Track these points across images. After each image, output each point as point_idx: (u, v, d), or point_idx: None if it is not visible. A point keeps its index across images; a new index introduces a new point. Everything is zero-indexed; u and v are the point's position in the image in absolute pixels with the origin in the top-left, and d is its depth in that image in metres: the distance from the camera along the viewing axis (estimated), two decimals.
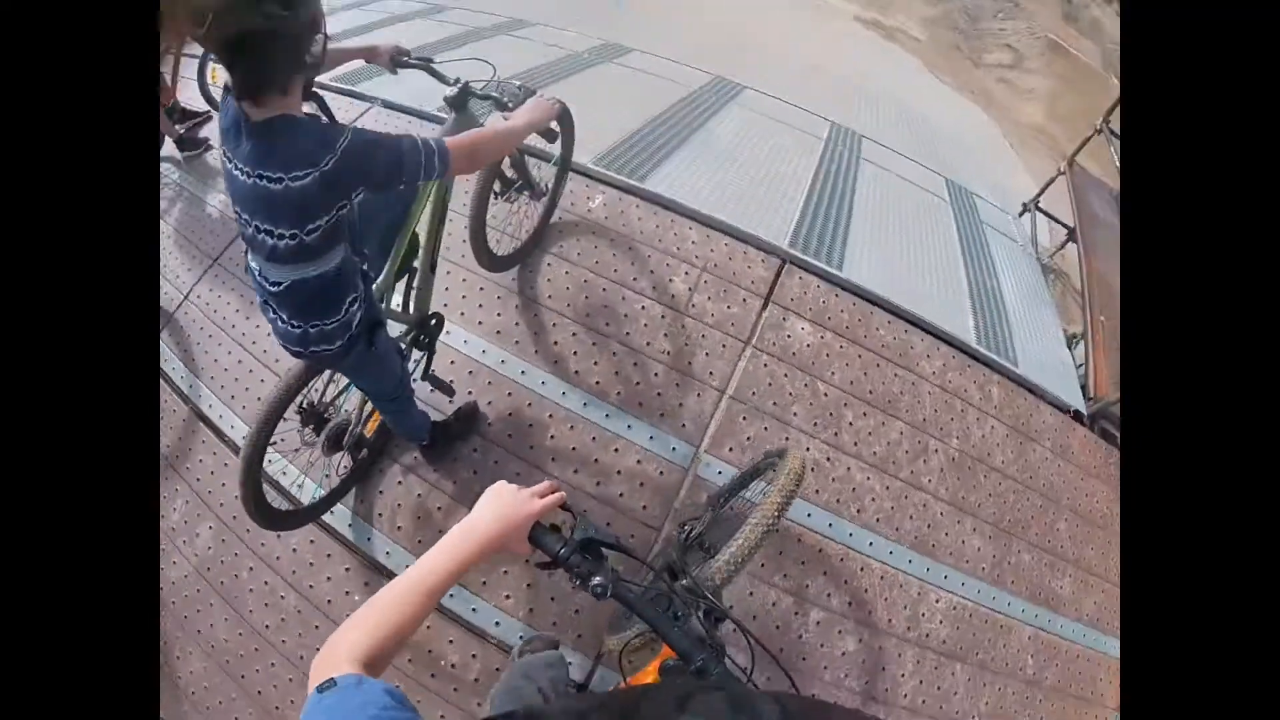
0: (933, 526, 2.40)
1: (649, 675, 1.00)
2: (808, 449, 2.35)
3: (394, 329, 1.93)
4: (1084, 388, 2.99)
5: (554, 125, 2.16)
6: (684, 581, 1.13)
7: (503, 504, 0.83)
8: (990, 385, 2.66)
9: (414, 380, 2.02)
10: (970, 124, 5.80)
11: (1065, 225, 4.08)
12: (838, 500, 2.32)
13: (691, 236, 2.63)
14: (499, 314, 2.47)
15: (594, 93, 3.44)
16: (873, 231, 3.02)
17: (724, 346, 2.44)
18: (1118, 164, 3.96)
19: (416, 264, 1.99)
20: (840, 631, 2.24)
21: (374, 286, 1.73)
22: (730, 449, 2.31)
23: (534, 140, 2.07)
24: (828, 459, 2.36)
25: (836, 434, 2.39)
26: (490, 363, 2.40)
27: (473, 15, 4.43)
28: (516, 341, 2.43)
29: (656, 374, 2.39)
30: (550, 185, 2.50)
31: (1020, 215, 4.19)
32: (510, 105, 1.77)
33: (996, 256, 3.42)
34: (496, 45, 3.97)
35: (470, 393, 2.34)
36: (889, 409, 2.47)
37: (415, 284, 2.01)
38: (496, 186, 2.23)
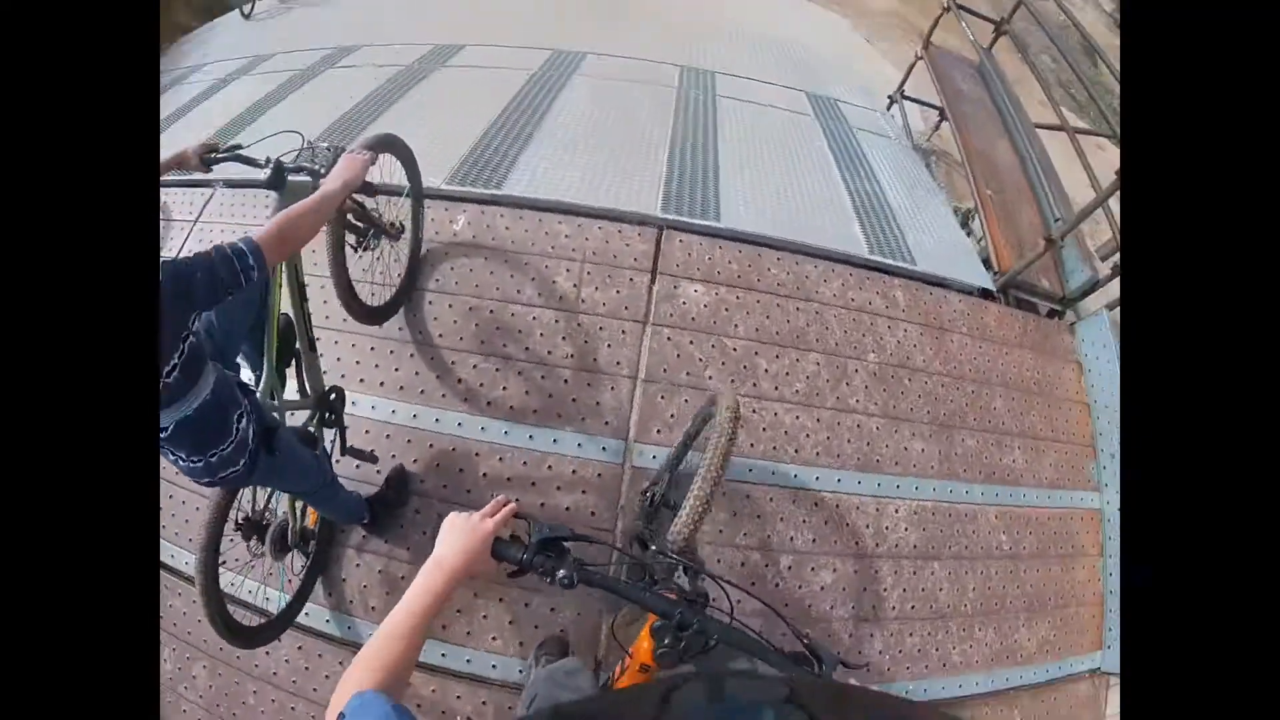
0: (872, 444, 2.42)
1: (644, 640, 1.04)
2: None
3: (299, 417, 1.88)
4: (986, 262, 3.04)
5: (378, 174, 2.06)
6: (653, 546, 1.17)
7: (459, 533, 0.86)
8: (893, 291, 2.68)
9: (335, 459, 1.98)
10: (823, 28, 5.73)
11: (934, 106, 4.10)
12: (774, 447, 2.33)
13: (563, 231, 2.56)
14: (396, 368, 2.39)
15: (432, 106, 3.30)
16: (743, 171, 2.99)
17: (624, 333, 2.40)
18: (972, 36, 3.99)
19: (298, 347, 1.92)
20: (813, 568, 2.27)
21: (259, 389, 1.71)
22: (658, 431, 2.29)
23: (395, 176, 2.05)
24: (754, 411, 2.36)
25: (755, 384, 2.39)
26: (402, 420, 2.33)
27: (296, 57, 4.22)
28: (422, 391, 2.35)
29: (566, 380, 2.34)
30: (408, 221, 2.40)
31: (889, 108, 4.19)
32: (323, 171, 1.68)
33: (872, 159, 3.42)
34: (325, 82, 3.79)
35: (394, 456, 2.27)
36: (800, 344, 2.47)
37: (303, 367, 1.94)
38: (352, 240, 2.13)
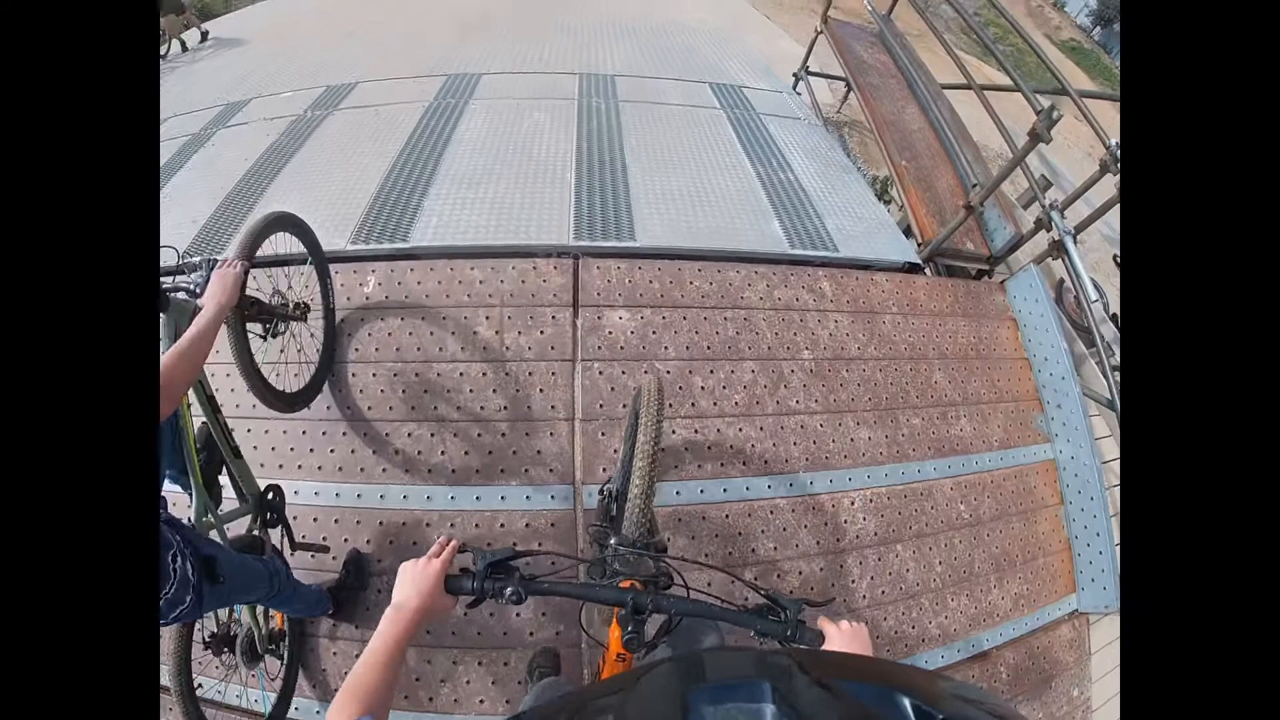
0: (818, 441, 2.42)
1: (613, 630, 1.09)
2: (673, 432, 2.32)
3: (240, 524, 1.86)
4: (908, 230, 3.04)
5: (273, 248, 1.99)
6: (614, 540, 1.21)
7: (411, 579, 0.93)
8: (819, 283, 2.66)
9: (288, 555, 1.94)
10: (721, 8, 5.63)
11: (840, 78, 4.07)
12: (722, 464, 2.31)
13: (477, 276, 2.49)
14: (331, 449, 2.31)
15: (328, 158, 3.16)
16: (654, 181, 2.94)
17: (554, 375, 2.36)
18: (869, 5, 3.95)
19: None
20: (778, 575, 2.27)
21: (192, 511, 1.66)
22: (604, 469, 2.26)
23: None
24: (695, 431, 2.34)
25: (694, 403, 2.37)
26: (347, 501, 2.26)
27: (186, 120, 4.02)
28: (361, 469, 2.28)
29: (504, 434, 2.29)
30: (316, 293, 2.31)
31: (795, 86, 4.15)
32: (199, 291, 1.60)
33: (783, 145, 3.39)
34: (218, 147, 3.61)
35: (345, 540, 2.21)
36: (732, 355, 2.45)
37: (233, 475, 1.88)
38: (259, 329, 2.05)
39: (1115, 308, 4.49)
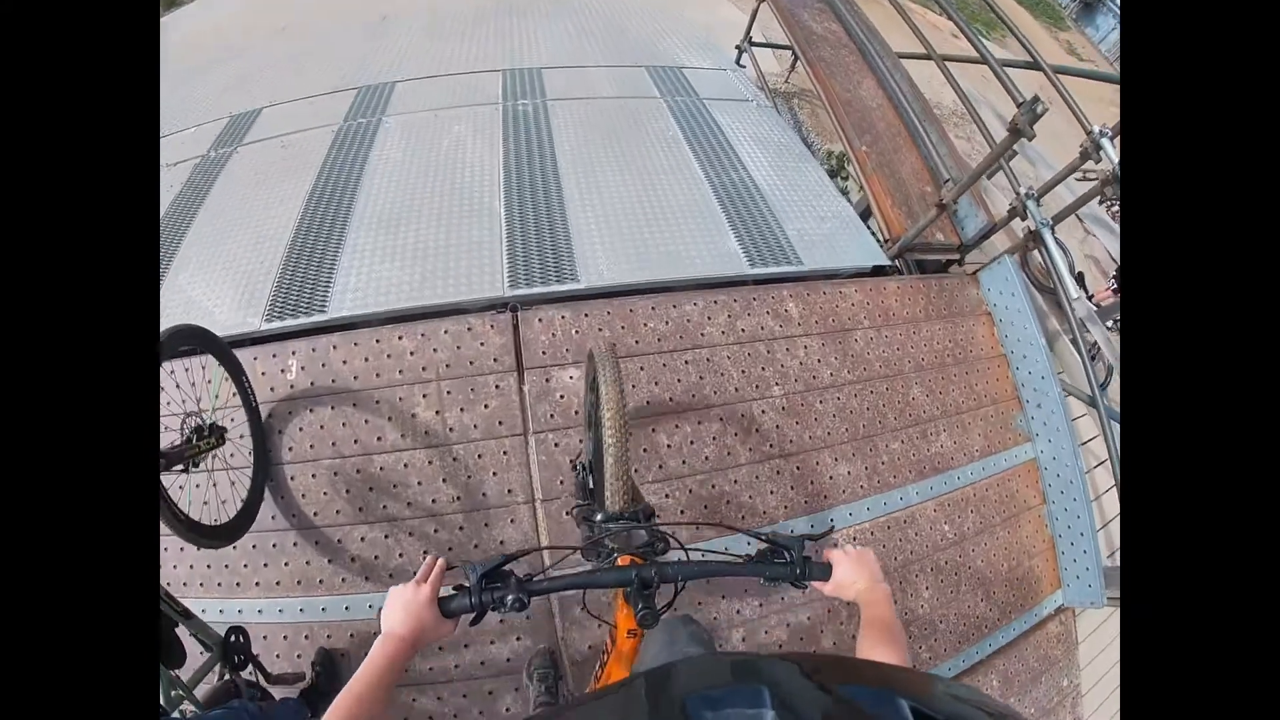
0: (795, 486, 2.24)
1: (621, 610, 1.05)
2: (648, 498, 2.11)
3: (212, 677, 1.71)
4: (868, 213, 2.77)
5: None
6: (599, 516, 1.16)
7: (401, 605, 0.86)
8: (784, 305, 2.40)
9: (261, 685, 1.79)
10: None
11: (786, 47, 3.66)
12: (696, 529, 2.11)
13: (407, 347, 2.19)
14: (285, 563, 2.07)
15: (232, 212, 2.74)
16: (593, 200, 2.61)
17: (505, 454, 2.11)
18: None
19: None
20: (766, 631, 2.14)
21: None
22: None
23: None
24: (666, 495, 2.13)
25: (661, 465, 2.15)
26: (311, 616, 2.04)
27: None
28: (320, 581, 2.05)
29: (461, 526, 2.07)
30: (232, 403, 2.02)
31: (739, 59, 3.73)
32: None
33: (732, 135, 3.04)
34: None
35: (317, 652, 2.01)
36: (697, 403, 2.22)
37: (189, 632, 1.70)
38: (179, 469, 1.78)
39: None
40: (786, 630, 2.16)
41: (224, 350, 1.98)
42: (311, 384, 2.20)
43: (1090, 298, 3.96)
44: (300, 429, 2.16)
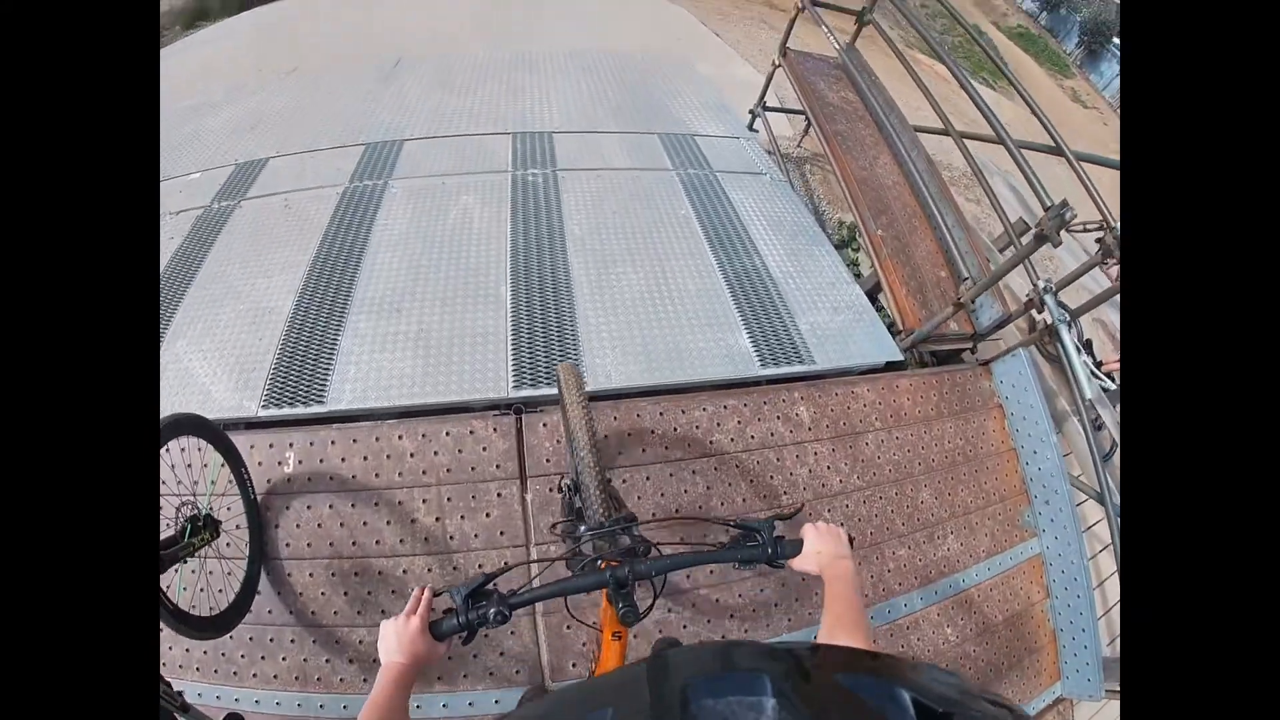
0: (800, 598, 2.15)
1: (605, 611, 1.08)
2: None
3: None
4: (877, 289, 2.66)
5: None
6: (584, 526, 1.18)
7: (393, 637, 0.90)
8: (796, 408, 2.30)
9: None
10: (667, 30, 4.84)
11: (799, 111, 3.53)
12: (699, 639, 2.02)
13: (407, 448, 2.09)
14: (283, 657, 1.99)
15: (231, 279, 2.61)
16: (603, 289, 2.50)
17: (505, 563, 2.00)
18: (834, 42, 3.36)
19: None
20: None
21: None
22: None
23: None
24: (669, 610, 2.03)
25: (664, 578, 2.04)
26: (309, 711, 1.96)
27: None
28: (318, 678, 1.97)
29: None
30: (228, 494, 1.93)
31: (752, 124, 3.59)
32: None
33: (745, 214, 2.92)
34: None
35: None
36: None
37: None
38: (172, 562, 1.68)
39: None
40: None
41: (223, 440, 1.90)
42: (309, 479, 2.10)
43: (1099, 365, 3.85)
44: (297, 525, 2.06)
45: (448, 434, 2.10)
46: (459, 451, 2.09)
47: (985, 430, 2.60)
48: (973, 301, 2.43)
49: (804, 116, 3.59)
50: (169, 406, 2.26)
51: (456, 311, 2.37)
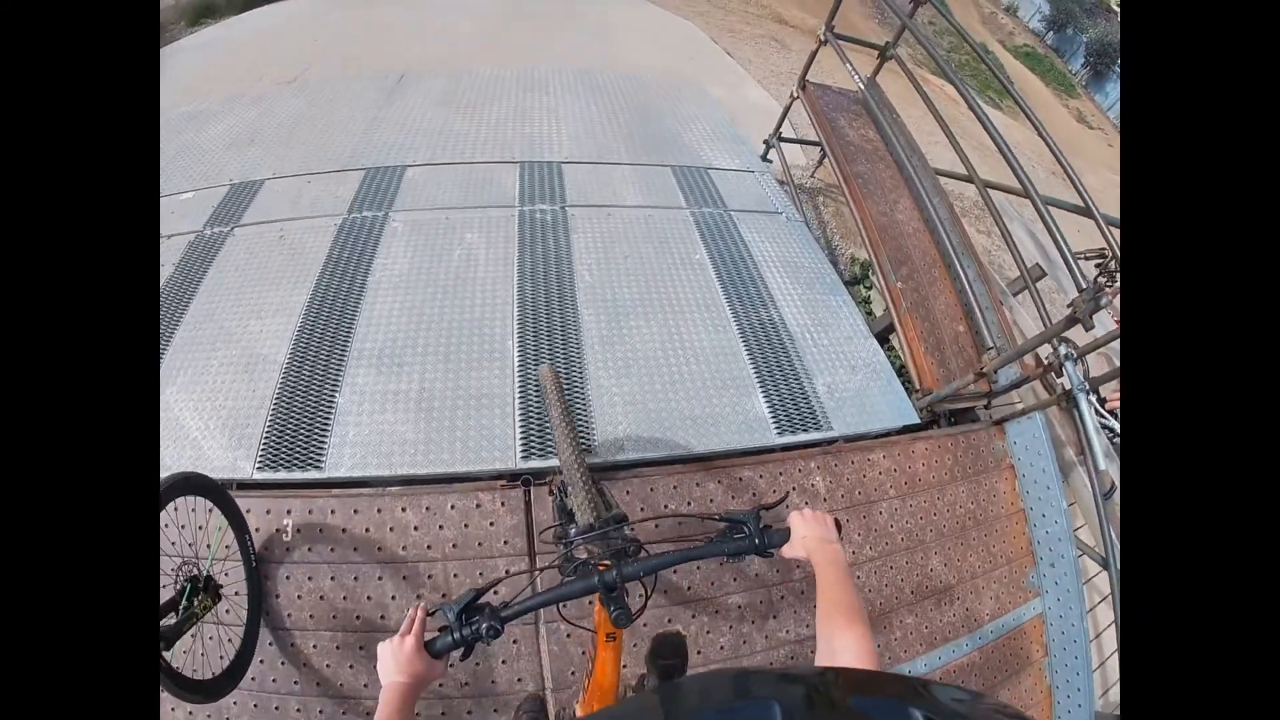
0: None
1: (598, 615, 1.10)
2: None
3: None
4: (889, 332, 2.55)
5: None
6: (574, 529, 1.15)
7: (391, 658, 0.89)
8: (811, 477, 2.19)
9: None
10: (679, 49, 4.54)
11: (814, 143, 3.35)
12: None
13: (411, 521, 1.96)
14: None
15: (221, 319, 2.41)
16: (615, 345, 2.35)
17: (515, 642, 1.91)
18: (857, 77, 3.16)
19: None
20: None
21: None
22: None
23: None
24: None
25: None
26: None
27: None
28: None
29: (470, 711, 1.89)
30: (228, 557, 1.81)
31: (766, 154, 3.40)
32: None
33: (761, 260, 2.76)
34: None
35: None
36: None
37: None
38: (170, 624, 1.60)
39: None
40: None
41: (228, 503, 1.80)
42: (309, 549, 1.96)
43: (1103, 403, 3.78)
44: (299, 595, 1.93)
45: (453, 507, 1.97)
46: (465, 525, 1.96)
47: (996, 492, 2.52)
48: (995, 372, 2.32)
49: (819, 148, 3.42)
50: (161, 461, 2.10)
51: (460, 369, 2.22)
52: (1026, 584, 2.54)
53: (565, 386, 2.21)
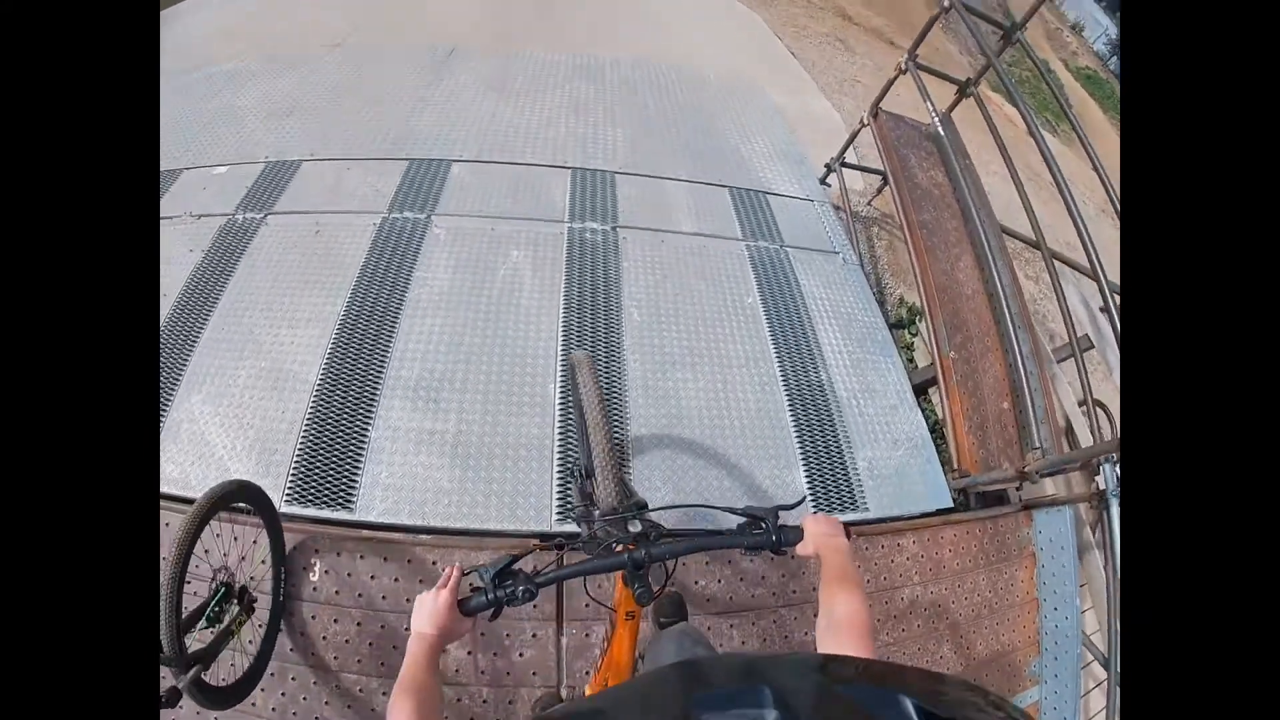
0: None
1: (619, 592, 1.11)
2: None
3: None
4: (928, 387, 2.40)
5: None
6: (597, 510, 1.17)
7: (426, 609, 0.90)
8: None
9: None
10: (742, 46, 4.02)
11: (877, 171, 3.04)
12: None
13: (439, 576, 1.84)
14: None
15: (251, 321, 2.18)
16: (659, 403, 2.16)
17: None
18: (932, 106, 2.80)
19: None
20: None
21: None
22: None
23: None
24: None
25: None
26: None
27: None
28: None
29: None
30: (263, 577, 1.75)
31: (825, 177, 3.09)
32: None
33: (815, 311, 2.53)
34: None
35: None
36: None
37: None
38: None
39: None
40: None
41: (275, 522, 1.73)
42: (336, 592, 1.86)
43: None
44: (324, 637, 1.85)
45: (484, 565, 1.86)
46: None
47: (1015, 580, 2.43)
48: (1038, 474, 2.18)
49: (881, 176, 3.11)
50: (183, 475, 1.97)
51: (499, 413, 2.05)
52: (1028, 672, 2.50)
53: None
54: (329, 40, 3.42)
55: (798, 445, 2.19)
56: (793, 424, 2.23)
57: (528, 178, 2.66)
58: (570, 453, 2.03)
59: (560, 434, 2.05)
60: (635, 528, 1.05)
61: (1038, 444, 2.26)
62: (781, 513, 1.00)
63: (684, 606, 1.70)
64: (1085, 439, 2.83)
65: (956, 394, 2.42)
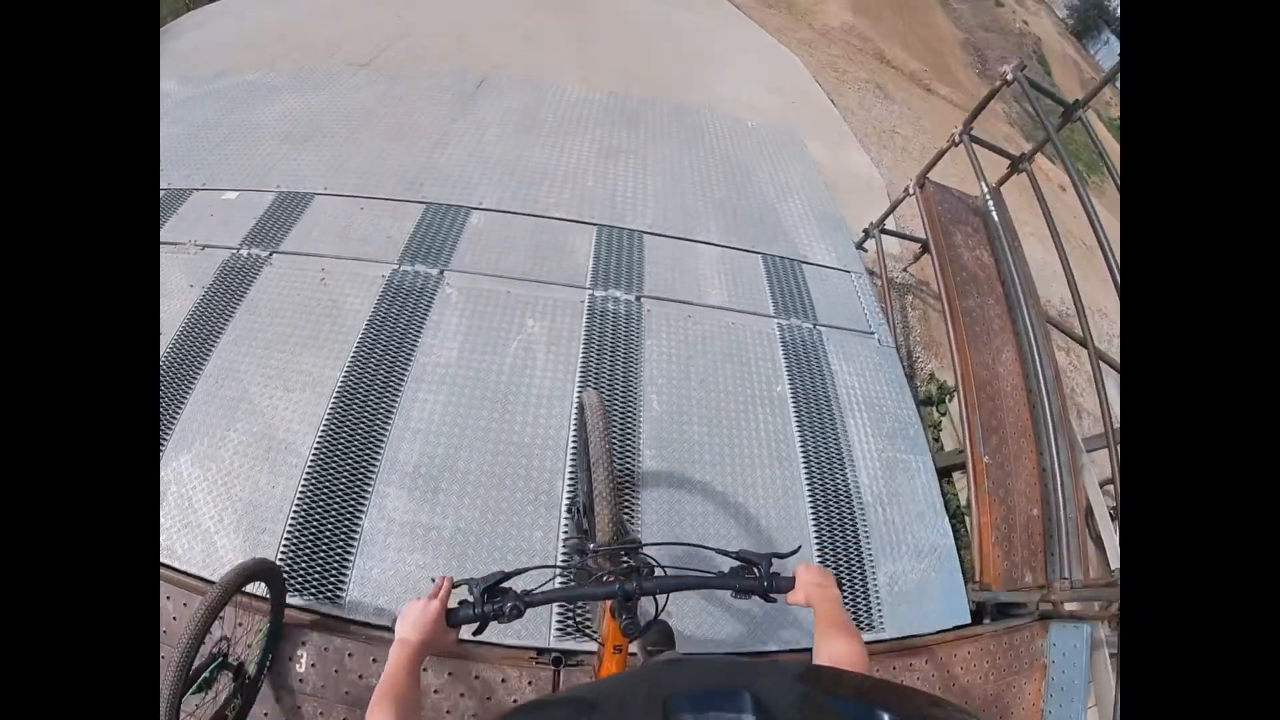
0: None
1: (608, 624, 1.10)
2: None
3: None
4: (952, 472, 2.24)
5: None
6: (591, 544, 1.17)
7: (413, 616, 0.88)
8: None
9: None
10: (780, 87, 3.72)
11: (918, 239, 2.82)
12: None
13: (433, 684, 1.71)
14: None
15: (245, 374, 2.02)
16: (676, 510, 1.98)
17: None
18: (984, 182, 2.56)
19: None
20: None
21: None
22: None
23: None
24: None
25: None
26: None
27: None
28: None
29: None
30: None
31: (863, 242, 2.87)
32: None
33: (847, 402, 2.34)
34: None
35: None
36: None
37: None
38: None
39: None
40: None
41: (282, 604, 1.65)
42: (323, 685, 1.73)
43: None
44: None
45: (477, 677, 1.71)
46: (487, 699, 1.71)
47: (1023, 694, 2.29)
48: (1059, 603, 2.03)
49: (922, 244, 2.89)
50: (169, 543, 1.82)
51: (501, 512, 1.88)
52: None
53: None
54: (358, 59, 3.16)
55: (818, 560, 2.03)
56: (814, 535, 2.06)
57: (550, 233, 2.44)
58: (573, 566, 1.87)
59: (562, 550, 1.88)
60: (630, 563, 1.04)
61: (1065, 575, 2.10)
62: (775, 560, 0.97)
63: (673, 636, 1.66)
64: (1110, 535, 2.68)
65: (987, 502, 2.24)
